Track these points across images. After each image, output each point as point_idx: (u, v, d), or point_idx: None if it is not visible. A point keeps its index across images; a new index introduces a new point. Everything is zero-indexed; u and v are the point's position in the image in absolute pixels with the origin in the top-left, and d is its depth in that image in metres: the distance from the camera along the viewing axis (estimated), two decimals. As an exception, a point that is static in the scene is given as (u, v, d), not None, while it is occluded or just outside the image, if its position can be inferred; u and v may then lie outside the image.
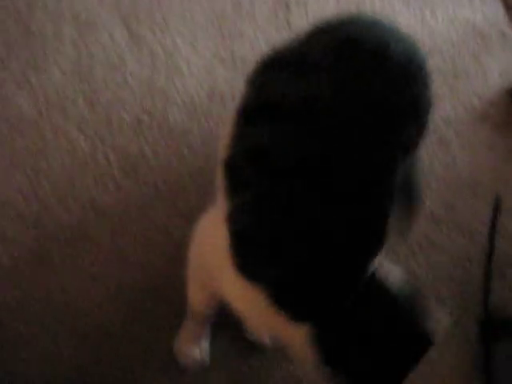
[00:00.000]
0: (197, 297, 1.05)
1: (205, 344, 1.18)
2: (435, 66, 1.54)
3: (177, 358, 1.18)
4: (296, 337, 0.80)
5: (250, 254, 0.81)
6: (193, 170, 1.30)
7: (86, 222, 1.23)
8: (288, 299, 0.78)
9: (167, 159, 1.30)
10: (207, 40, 1.45)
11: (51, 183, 1.25)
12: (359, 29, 0.93)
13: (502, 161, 1.47)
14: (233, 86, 1.39)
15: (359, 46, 0.87)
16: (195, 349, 1.17)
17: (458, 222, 1.37)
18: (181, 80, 1.39)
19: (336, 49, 0.87)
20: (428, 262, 1.31)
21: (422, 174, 1.09)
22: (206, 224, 0.96)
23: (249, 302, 0.84)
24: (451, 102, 1.49)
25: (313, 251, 0.77)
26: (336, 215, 0.78)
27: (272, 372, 1.22)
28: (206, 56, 1.43)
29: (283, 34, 1.48)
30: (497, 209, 1.40)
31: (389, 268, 0.81)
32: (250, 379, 1.21)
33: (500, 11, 1.69)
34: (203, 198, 1.26)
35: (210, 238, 0.91)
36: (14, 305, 1.18)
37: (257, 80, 0.94)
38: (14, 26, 1.37)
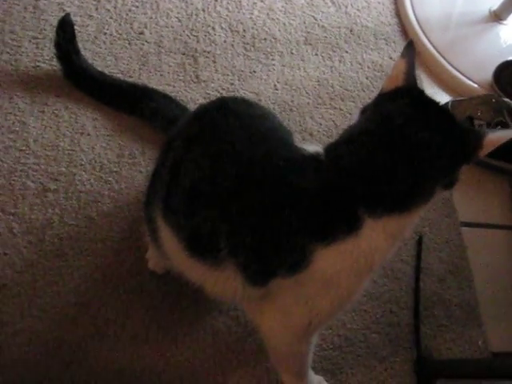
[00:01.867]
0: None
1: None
2: (347, 111, 1.55)
3: None
4: None
5: None
6: (104, 235, 1.23)
7: (-11, 301, 1.14)
8: None
9: (76, 226, 1.23)
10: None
11: (-51, 262, 1.16)
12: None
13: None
14: (143, 145, 1.35)
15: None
16: None
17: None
18: (87, 142, 1.33)
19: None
20: (354, 309, 1.28)
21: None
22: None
23: None
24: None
25: None
26: None
27: None
28: (112, 115, 1.39)
29: (192, 86, 1.46)
30: (420, 248, 1.40)
31: None
32: None
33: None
34: (119, 264, 1.21)
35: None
36: None
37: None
38: None
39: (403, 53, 0.90)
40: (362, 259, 0.81)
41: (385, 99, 0.87)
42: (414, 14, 1.84)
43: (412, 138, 0.80)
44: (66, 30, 1.38)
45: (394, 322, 1.30)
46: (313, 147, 0.87)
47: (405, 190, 0.80)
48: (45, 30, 1.46)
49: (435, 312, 1.34)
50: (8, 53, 1.42)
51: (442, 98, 1.68)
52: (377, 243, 0.81)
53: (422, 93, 0.88)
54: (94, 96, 1.39)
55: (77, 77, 1.40)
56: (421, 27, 1.81)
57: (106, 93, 1.38)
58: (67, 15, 1.39)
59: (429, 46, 1.78)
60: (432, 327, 1.32)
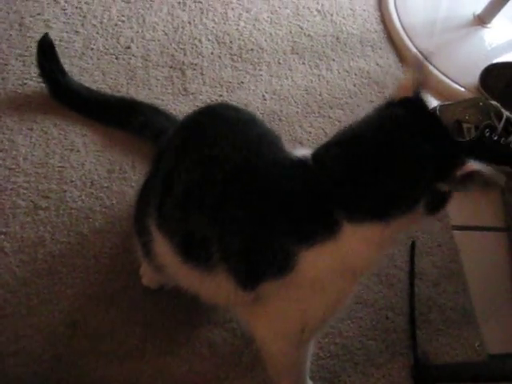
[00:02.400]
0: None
1: None
2: (336, 118, 1.56)
3: None
4: None
5: None
6: (97, 252, 1.23)
7: (-18, 322, 1.13)
8: None
9: (68, 243, 1.22)
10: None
11: None
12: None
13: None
14: (133, 159, 1.35)
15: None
16: None
17: (375, 272, 1.36)
18: (77, 158, 1.33)
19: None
20: (350, 317, 1.28)
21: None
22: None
23: None
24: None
25: None
26: None
27: None
28: (101, 130, 1.39)
29: (180, 99, 1.46)
30: (413, 254, 1.41)
31: None
32: None
33: (391, 59, 1.75)
34: (113, 280, 1.21)
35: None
36: None
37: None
38: None
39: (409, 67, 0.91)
40: (342, 263, 0.82)
41: (381, 107, 0.87)
42: (399, 20, 1.85)
43: (396, 147, 0.80)
44: (45, 51, 1.38)
45: (390, 328, 1.30)
46: (302, 151, 0.88)
47: (383, 198, 0.80)
48: (31, 47, 1.46)
49: (431, 316, 1.34)
50: (-5, 71, 1.42)
51: (430, 102, 1.69)
52: (358, 248, 0.82)
53: (420, 103, 0.87)
54: (82, 113, 1.39)
55: (63, 95, 1.39)
56: (406, 33, 1.83)
57: (94, 109, 1.38)
58: (45, 35, 1.39)
59: (415, 51, 1.79)
60: (428, 332, 1.32)
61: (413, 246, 1.42)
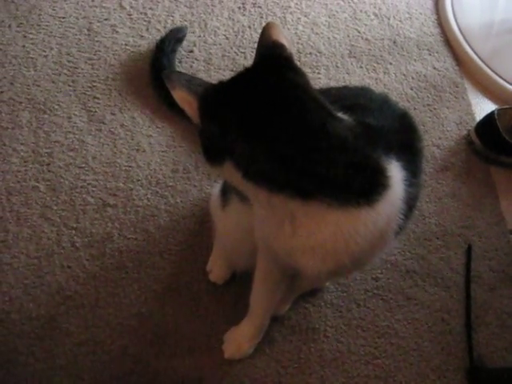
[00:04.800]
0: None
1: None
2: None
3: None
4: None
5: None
6: (162, 248, 1.28)
7: (55, 311, 1.19)
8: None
9: (135, 239, 1.28)
10: (166, 114, 1.47)
11: (16, 274, 1.22)
12: None
13: (468, 208, 1.48)
14: (196, 160, 1.40)
15: None
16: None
17: (431, 274, 1.37)
18: (143, 158, 1.39)
19: None
20: (406, 318, 1.30)
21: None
22: None
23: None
24: (412, 156, 1.52)
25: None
26: None
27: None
28: (166, 131, 1.44)
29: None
30: (470, 257, 1.41)
31: None
32: None
33: (448, 62, 1.75)
34: (177, 276, 1.26)
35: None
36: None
37: None
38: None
39: None
40: None
41: None
42: (456, 23, 1.85)
43: None
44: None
45: (445, 330, 1.31)
46: None
47: None
48: (99, 51, 1.53)
49: (487, 320, 1.34)
50: (65, 74, 1.49)
51: (487, 106, 1.69)
52: None
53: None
54: None
55: None
56: (463, 36, 1.82)
57: None
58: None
59: (472, 54, 1.78)
60: (484, 335, 1.32)
61: (469, 250, 1.42)
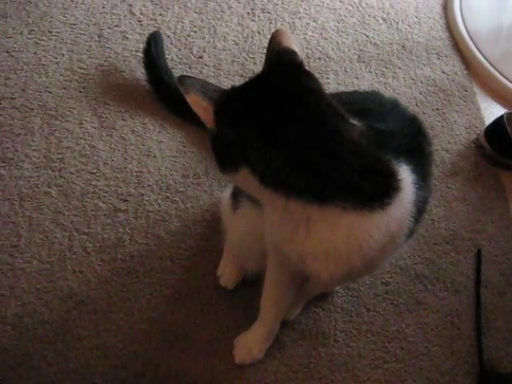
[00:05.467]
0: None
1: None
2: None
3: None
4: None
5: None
6: (173, 253, 1.29)
7: (67, 316, 1.20)
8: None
9: (146, 244, 1.30)
10: (178, 120, 1.48)
11: (28, 279, 1.23)
12: None
13: (477, 212, 1.48)
14: (207, 165, 1.41)
15: None
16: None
17: (441, 278, 1.37)
18: (153, 163, 1.40)
19: None
20: (416, 322, 1.30)
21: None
22: None
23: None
24: (421, 160, 1.52)
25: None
26: None
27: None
28: (176, 137, 1.45)
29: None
30: (479, 262, 1.41)
31: None
32: None
33: (457, 66, 1.75)
34: (188, 281, 1.27)
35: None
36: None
37: None
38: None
39: None
40: None
41: None
42: (465, 27, 1.85)
43: None
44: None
45: (455, 334, 1.31)
46: None
47: None
48: (110, 57, 1.55)
49: (497, 325, 1.34)
50: (77, 80, 1.51)
51: (497, 110, 1.69)
52: None
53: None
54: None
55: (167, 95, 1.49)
56: (472, 40, 1.82)
57: None
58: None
59: (481, 58, 1.79)
60: (494, 340, 1.32)
61: (479, 254, 1.42)
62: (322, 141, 0.76)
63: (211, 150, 0.85)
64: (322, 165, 0.76)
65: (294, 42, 0.89)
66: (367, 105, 0.97)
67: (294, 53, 0.86)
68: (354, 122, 0.82)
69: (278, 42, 0.88)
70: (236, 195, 1.10)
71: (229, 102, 0.81)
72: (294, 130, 0.76)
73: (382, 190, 0.78)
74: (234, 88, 0.84)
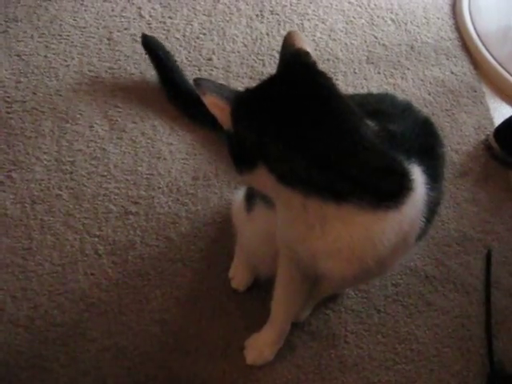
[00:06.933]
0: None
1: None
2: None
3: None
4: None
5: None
6: (184, 255, 1.30)
7: (78, 318, 1.21)
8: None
9: (156, 247, 1.30)
10: (188, 122, 1.49)
11: (40, 281, 1.24)
12: None
13: (487, 213, 1.48)
14: (217, 167, 1.42)
15: None
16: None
17: (451, 280, 1.37)
18: (164, 165, 1.41)
19: None
20: (426, 323, 1.30)
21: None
22: None
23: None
24: (431, 161, 1.52)
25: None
26: None
27: None
28: (186, 139, 1.46)
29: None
30: (489, 263, 1.41)
31: None
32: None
33: (466, 67, 1.75)
34: (198, 283, 1.27)
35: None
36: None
37: None
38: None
39: None
40: None
41: None
42: (474, 28, 1.85)
43: None
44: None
45: (465, 336, 1.31)
46: None
47: None
48: (119, 60, 1.55)
49: (507, 326, 1.34)
50: (87, 83, 1.52)
51: (506, 110, 1.69)
52: None
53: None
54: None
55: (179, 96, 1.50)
56: (481, 40, 1.82)
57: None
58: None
59: (490, 58, 1.79)
60: (504, 341, 1.32)
61: (489, 255, 1.42)
62: (340, 139, 0.77)
63: (227, 150, 0.86)
64: (340, 163, 0.76)
65: (307, 44, 0.90)
66: (380, 106, 0.98)
67: (307, 53, 0.87)
68: (369, 122, 0.83)
69: (291, 43, 0.89)
70: (250, 197, 1.11)
71: (246, 102, 0.82)
72: (312, 128, 0.77)
73: (396, 190, 0.78)
74: (248, 89, 0.85)
